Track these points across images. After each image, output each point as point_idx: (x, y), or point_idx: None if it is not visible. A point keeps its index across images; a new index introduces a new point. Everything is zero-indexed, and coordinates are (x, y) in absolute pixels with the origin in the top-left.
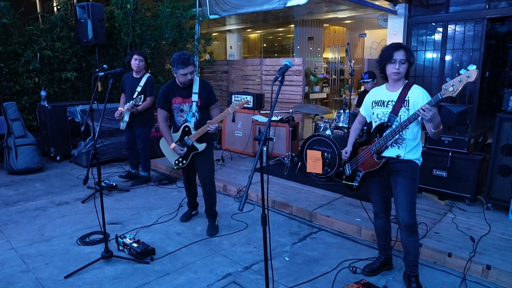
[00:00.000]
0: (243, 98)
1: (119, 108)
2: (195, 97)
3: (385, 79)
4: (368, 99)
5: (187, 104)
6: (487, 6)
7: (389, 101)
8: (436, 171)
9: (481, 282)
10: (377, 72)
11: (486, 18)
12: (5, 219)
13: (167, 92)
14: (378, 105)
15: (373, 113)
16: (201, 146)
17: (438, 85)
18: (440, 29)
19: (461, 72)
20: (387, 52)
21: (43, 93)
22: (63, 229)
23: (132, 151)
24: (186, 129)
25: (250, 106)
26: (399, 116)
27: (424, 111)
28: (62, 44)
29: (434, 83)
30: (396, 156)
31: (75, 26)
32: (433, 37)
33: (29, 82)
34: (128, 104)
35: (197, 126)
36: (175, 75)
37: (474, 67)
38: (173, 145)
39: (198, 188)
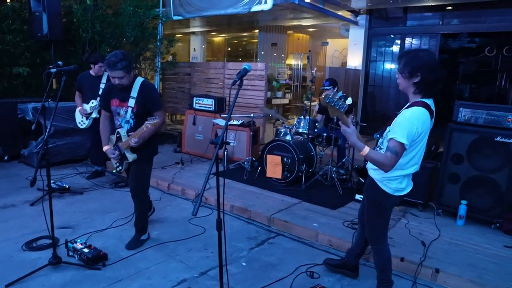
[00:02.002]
0: (155, 118)
1: (79, 108)
2: (131, 102)
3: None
4: None
5: (123, 108)
6: (441, 22)
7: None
8: None
9: (431, 285)
10: (339, 81)
11: (439, 33)
12: None
13: (107, 92)
14: None
15: None
16: (130, 157)
17: (395, 95)
18: (398, 41)
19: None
20: None
21: None
22: (8, 233)
23: (97, 148)
24: (117, 135)
25: (211, 109)
26: (384, 135)
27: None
28: (13, 37)
29: (391, 94)
30: (366, 166)
31: (29, 19)
32: (391, 48)
33: None
34: (97, 101)
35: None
36: None
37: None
38: (106, 147)
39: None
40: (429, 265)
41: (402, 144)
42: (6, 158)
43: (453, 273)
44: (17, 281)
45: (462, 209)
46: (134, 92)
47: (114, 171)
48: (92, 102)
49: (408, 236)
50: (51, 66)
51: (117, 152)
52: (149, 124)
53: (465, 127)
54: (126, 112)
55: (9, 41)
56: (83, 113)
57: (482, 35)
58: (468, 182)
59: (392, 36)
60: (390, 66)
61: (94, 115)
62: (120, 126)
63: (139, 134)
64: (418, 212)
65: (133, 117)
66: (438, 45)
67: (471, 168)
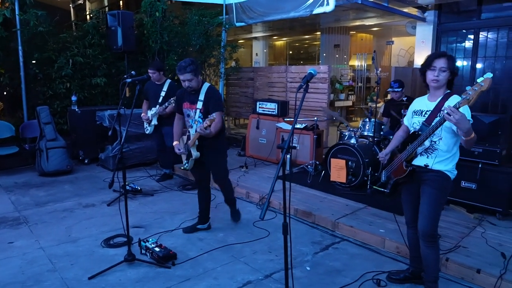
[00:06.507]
0: (211, 116)
1: (142, 114)
2: (199, 104)
3: (427, 87)
4: (410, 108)
5: (193, 110)
6: None
7: (427, 110)
8: (464, 183)
9: None
10: (406, 81)
11: None
12: (35, 218)
13: (180, 96)
14: (416, 115)
15: (412, 123)
16: (195, 154)
17: None
18: (471, 36)
19: (477, 80)
20: (429, 59)
21: (74, 98)
22: (89, 230)
23: (163, 152)
24: (187, 134)
25: (274, 113)
26: (431, 126)
27: (449, 115)
28: (93, 50)
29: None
30: (424, 165)
31: (106, 33)
32: (463, 44)
33: (61, 87)
34: (156, 108)
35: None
36: None
37: (490, 75)
38: (175, 143)
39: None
40: (510, 279)
41: None
42: (86, 161)
43: None
44: (98, 274)
45: None
46: (202, 96)
47: (181, 167)
48: (152, 110)
49: (485, 246)
50: (125, 76)
51: (183, 149)
52: (207, 121)
53: None
54: (195, 113)
55: (89, 55)
56: (145, 119)
57: None
58: None
59: (464, 31)
60: (462, 63)
61: (153, 122)
62: (191, 127)
63: (199, 128)
64: (496, 221)
65: (201, 116)
66: None
67: None
